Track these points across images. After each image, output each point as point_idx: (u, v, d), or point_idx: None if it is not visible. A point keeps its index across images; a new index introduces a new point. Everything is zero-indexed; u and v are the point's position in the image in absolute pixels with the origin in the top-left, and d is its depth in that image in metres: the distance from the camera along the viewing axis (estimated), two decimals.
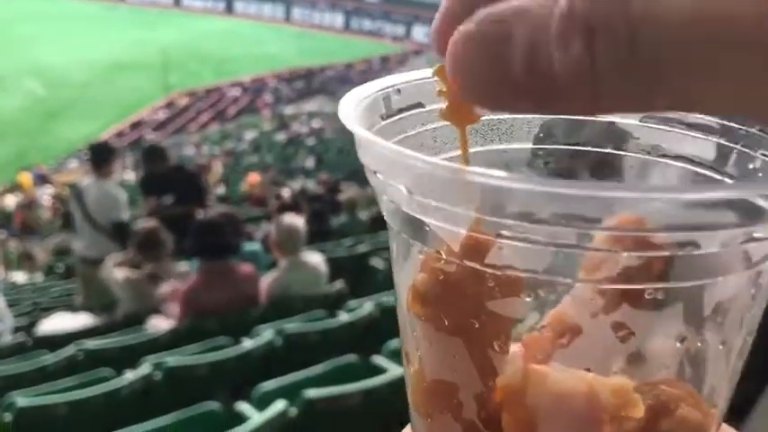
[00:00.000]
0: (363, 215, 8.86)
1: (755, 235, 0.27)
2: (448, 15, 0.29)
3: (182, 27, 51.70)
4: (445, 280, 0.32)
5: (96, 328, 4.06)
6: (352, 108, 0.34)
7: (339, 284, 4.30)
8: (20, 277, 10.94)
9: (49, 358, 3.22)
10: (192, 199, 6.00)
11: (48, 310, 5.39)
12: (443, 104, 0.32)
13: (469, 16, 0.27)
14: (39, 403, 2.43)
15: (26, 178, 22.88)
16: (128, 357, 3.16)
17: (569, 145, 0.39)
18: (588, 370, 0.30)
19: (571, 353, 0.32)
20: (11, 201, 19.14)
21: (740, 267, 0.28)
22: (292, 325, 3.26)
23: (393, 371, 2.42)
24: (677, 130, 0.37)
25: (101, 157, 5.64)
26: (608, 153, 0.39)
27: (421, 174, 0.29)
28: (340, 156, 25.30)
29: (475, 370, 0.32)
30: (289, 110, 38.46)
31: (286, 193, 13.57)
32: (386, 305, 3.50)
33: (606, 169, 0.39)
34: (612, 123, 0.38)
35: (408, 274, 0.34)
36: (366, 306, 3.51)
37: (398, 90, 0.37)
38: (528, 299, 0.31)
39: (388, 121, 0.37)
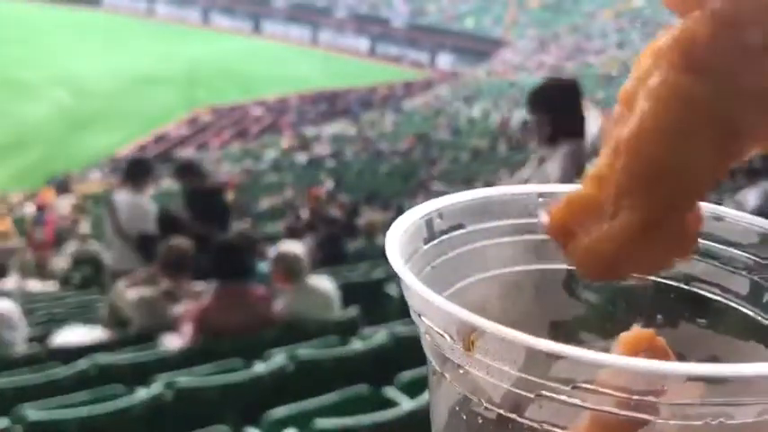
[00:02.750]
0: (381, 240, 8.84)
1: None
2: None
3: (209, 44, 52.38)
4: (483, 425, 0.32)
5: (109, 342, 4.07)
6: (397, 240, 0.36)
7: (353, 310, 4.28)
8: (36, 286, 11.01)
9: (61, 371, 3.22)
10: (217, 218, 6.02)
11: (62, 321, 5.41)
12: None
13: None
14: (49, 418, 2.43)
15: (49, 193, 23.07)
16: (139, 374, 3.16)
17: None
18: None
19: None
20: (30, 209, 19.32)
21: None
22: (305, 350, 3.24)
23: (405, 405, 2.40)
24: (714, 262, 0.38)
25: (138, 171, 5.71)
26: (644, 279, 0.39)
27: (467, 327, 0.30)
28: (360, 178, 25.38)
29: None
30: (310, 131, 38.68)
31: (304, 214, 13.60)
32: (400, 335, 3.48)
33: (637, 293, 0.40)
34: None
35: (444, 411, 0.35)
36: (380, 335, 3.48)
37: (440, 214, 0.39)
38: None
39: (431, 244, 0.38)
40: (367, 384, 2.70)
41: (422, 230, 0.38)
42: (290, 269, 4.11)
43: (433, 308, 0.31)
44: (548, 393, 0.29)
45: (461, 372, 0.32)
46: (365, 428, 2.14)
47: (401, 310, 4.65)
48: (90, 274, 9.29)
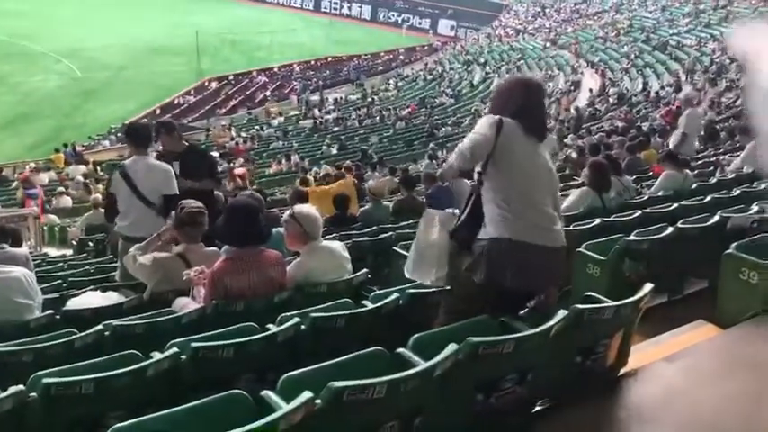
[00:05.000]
0: (387, 203, 8.86)
1: None
2: None
3: (215, 13, 52.02)
4: None
5: (124, 307, 4.09)
6: None
7: (363, 273, 4.29)
8: (52, 252, 11.08)
9: (76, 337, 3.24)
10: (205, 176, 6.02)
11: (78, 287, 5.45)
12: None
13: None
14: (64, 381, 2.45)
15: (60, 158, 23.15)
16: (155, 338, 3.18)
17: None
18: None
19: None
20: (45, 177, 19.38)
21: None
22: (318, 313, 3.25)
23: (420, 365, 2.41)
24: None
25: (143, 135, 5.70)
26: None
27: None
28: (363, 144, 25.30)
29: None
30: (315, 97, 38.51)
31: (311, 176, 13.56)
32: (412, 295, 3.49)
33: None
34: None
35: None
36: (392, 296, 3.49)
37: None
38: None
39: None
40: (381, 346, 2.71)
41: None
42: (306, 231, 4.11)
43: None
44: None
45: None
46: (380, 389, 2.15)
47: None
48: (104, 241, 9.36)
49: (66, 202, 16.35)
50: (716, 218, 5.07)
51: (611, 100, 26.18)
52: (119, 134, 27.71)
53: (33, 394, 2.41)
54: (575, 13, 46.31)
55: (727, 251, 4.08)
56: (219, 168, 8.40)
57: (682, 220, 5.04)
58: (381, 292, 3.79)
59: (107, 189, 6.00)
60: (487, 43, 45.96)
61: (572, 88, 31.34)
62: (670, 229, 4.79)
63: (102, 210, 8.77)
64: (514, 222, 3.08)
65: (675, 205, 6.09)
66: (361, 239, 6.30)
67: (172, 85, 39.56)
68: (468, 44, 47.65)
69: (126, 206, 5.55)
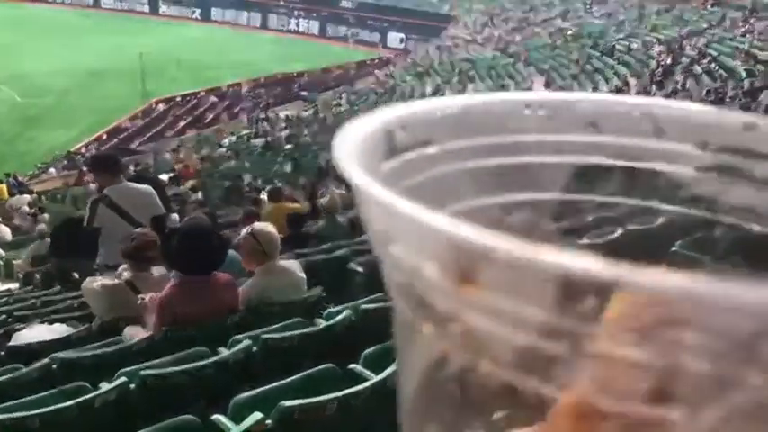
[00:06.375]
0: (342, 219, 8.84)
1: None
2: None
3: (158, 34, 51.48)
4: (478, 394, 0.25)
5: (72, 338, 4.01)
6: (352, 146, 0.27)
7: (317, 290, 4.27)
8: None
9: (22, 370, 3.17)
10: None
11: (24, 320, 5.32)
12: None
13: None
14: (10, 417, 2.39)
15: (2, 189, 22.60)
16: (104, 368, 3.12)
17: (606, 196, 0.33)
18: None
19: None
20: None
21: None
22: (270, 334, 3.23)
23: (371, 380, 2.41)
24: (745, 182, 0.31)
25: (113, 162, 5.68)
26: (656, 208, 0.33)
27: (470, 253, 0.21)
28: (316, 161, 25.26)
29: None
30: (266, 115, 38.39)
31: (264, 196, 13.49)
32: (365, 312, 3.49)
33: (645, 226, 0.32)
34: (662, 173, 0.32)
35: (419, 375, 0.27)
36: (345, 313, 3.49)
37: (404, 125, 0.31)
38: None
39: (391, 162, 0.30)
40: (333, 363, 2.70)
41: (380, 144, 0.29)
42: (264, 250, 4.07)
43: (407, 224, 0.22)
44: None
45: (448, 319, 0.23)
46: (331, 406, 2.15)
47: (366, 287, 4.67)
48: (52, 272, 9.13)
49: (6, 233, 15.79)
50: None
51: None
52: (65, 162, 27.19)
53: None
54: (523, 22, 47.11)
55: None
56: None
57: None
58: (335, 309, 3.79)
59: (89, 224, 5.70)
60: (437, 55, 46.46)
61: None
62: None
63: (49, 240, 8.58)
64: None
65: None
66: (315, 258, 6.27)
67: (117, 108, 38.97)
68: (419, 57, 48.11)
69: (111, 234, 5.42)
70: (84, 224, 5.56)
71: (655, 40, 32.79)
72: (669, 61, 27.36)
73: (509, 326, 0.21)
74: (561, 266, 0.19)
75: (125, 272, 4.39)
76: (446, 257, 0.22)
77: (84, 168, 21.17)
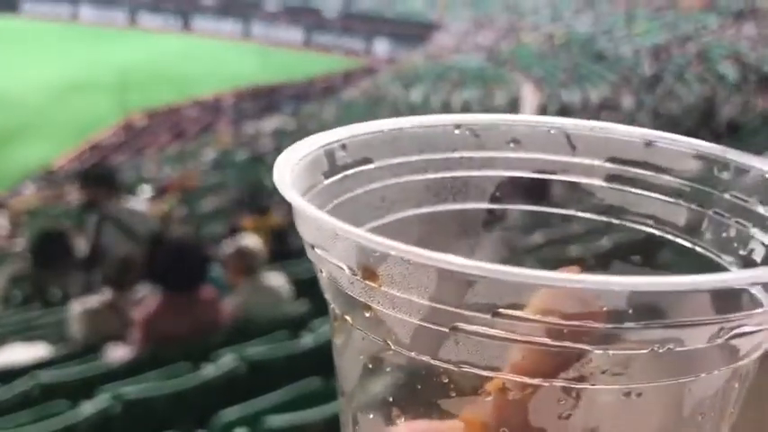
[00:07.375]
0: None
1: (745, 329, 0.25)
2: None
3: (138, 45, 51.23)
4: (393, 375, 0.29)
5: (52, 359, 3.94)
6: (289, 169, 0.31)
7: (302, 305, 4.24)
8: None
9: (1, 392, 3.11)
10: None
11: (1, 341, 5.22)
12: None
13: None
14: None
15: None
16: (84, 388, 3.07)
17: (529, 205, 0.37)
18: None
19: None
20: None
21: (725, 362, 0.26)
22: (254, 349, 3.20)
23: None
24: (645, 192, 0.35)
25: (111, 179, 5.62)
26: (571, 215, 0.37)
27: (368, 254, 0.26)
28: None
29: None
30: (250, 128, 38.28)
31: (247, 210, 13.43)
32: None
33: (567, 231, 0.37)
34: (576, 184, 0.37)
35: (350, 361, 0.31)
36: (329, 327, 3.45)
37: (343, 145, 0.34)
38: (488, 398, 0.27)
39: (332, 179, 0.34)
40: (318, 378, 2.67)
41: (321, 162, 0.33)
42: (247, 264, 4.05)
43: (328, 233, 0.27)
44: (464, 325, 0.25)
45: (364, 311, 0.28)
46: (316, 422, 2.11)
47: None
48: (31, 292, 9.00)
49: None
50: None
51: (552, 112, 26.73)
52: (44, 178, 26.92)
53: None
54: (510, 29, 47.35)
55: None
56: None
57: None
58: (321, 322, 3.75)
59: (94, 241, 5.59)
60: (424, 63, 46.61)
61: (512, 104, 31.92)
62: None
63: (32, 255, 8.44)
64: None
65: None
66: (300, 271, 6.22)
67: (96, 122, 38.73)
68: (405, 65, 48.25)
69: (112, 253, 5.36)
70: (89, 243, 5.48)
71: (644, 46, 33.08)
72: (658, 67, 27.58)
73: (404, 311, 0.26)
74: (436, 263, 0.25)
75: (107, 291, 4.34)
76: (356, 258, 0.27)
77: (77, 183, 21.02)
